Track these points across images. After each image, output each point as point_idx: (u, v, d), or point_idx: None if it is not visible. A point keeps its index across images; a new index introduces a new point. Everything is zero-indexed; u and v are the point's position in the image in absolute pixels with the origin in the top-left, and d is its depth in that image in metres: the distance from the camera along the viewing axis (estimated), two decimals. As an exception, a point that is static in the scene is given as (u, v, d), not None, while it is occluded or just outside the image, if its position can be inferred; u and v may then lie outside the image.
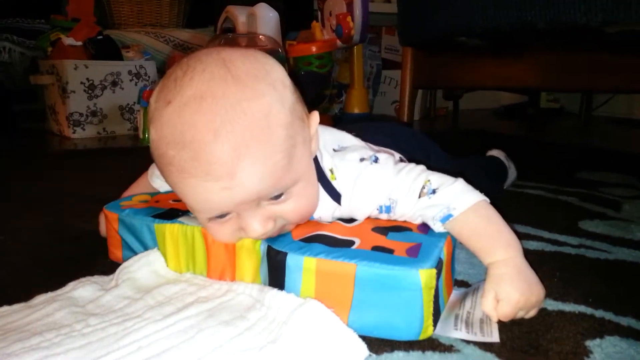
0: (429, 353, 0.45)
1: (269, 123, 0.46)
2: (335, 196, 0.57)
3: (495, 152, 1.04)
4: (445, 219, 0.53)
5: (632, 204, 0.95)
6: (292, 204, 0.51)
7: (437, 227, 0.54)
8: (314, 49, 1.98)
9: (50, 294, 0.55)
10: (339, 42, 2.01)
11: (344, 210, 0.58)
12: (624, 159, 1.49)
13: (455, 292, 0.56)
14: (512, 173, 1.03)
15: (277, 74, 0.51)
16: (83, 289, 0.55)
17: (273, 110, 0.47)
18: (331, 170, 0.57)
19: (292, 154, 0.49)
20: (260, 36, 1.80)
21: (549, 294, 0.56)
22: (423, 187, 0.54)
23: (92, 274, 0.60)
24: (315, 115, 0.55)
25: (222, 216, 0.50)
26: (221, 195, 0.47)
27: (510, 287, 0.48)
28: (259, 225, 0.50)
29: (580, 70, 1.12)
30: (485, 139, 1.90)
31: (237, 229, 0.51)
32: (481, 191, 0.55)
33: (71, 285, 0.57)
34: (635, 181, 1.15)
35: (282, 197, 0.50)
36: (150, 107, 0.50)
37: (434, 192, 0.54)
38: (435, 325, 0.48)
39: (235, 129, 0.45)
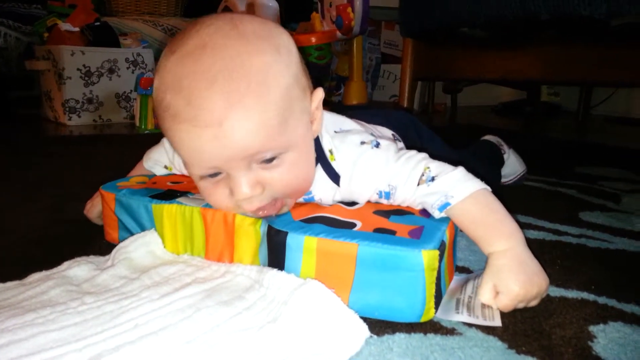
0: (430, 335, 0.44)
1: (266, 80, 0.46)
2: (334, 177, 0.56)
3: (488, 137, 1.01)
4: (443, 207, 0.52)
5: (631, 197, 0.95)
6: (283, 172, 0.50)
7: (437, 215, 0.53)
8: (313, 39, 1.97)
9: (44, 273, 0.54)
10: (338, 34, 2.00)
11: (344, 193, 0.57)
12: (622, 155, 1.49)
13: (456, 278, 0.55)
14: (512, 160, 1.00)
15: (284, 41, 0.51)
16: (78, 268, 0.54)
17: (272, 69, 0.47)
18: (330, 151, 0.56)
19: (286, 118, 0.48)
20: (260, 25, 1.79)
21: (551, 281, 0.55)
22: (422, 175, 0.53)
23: (87, 254, 0.59)
24: (319, 92, 0.54)
25: (213, 176, 0.50)
26: (211, 145, 0.46)
27: (510, 280, 0.47)
28: (247, 186, 0.48)
29: (583, 63, 1.11)
30: (483, 134, 1.89)
31: (228, 192, 0.50)
32: (482, 179, 0.54)
33: (66, 264, 0.56)
34: (634, 175, 1.15)
35: (274, 162, 0.49)
36: (159, 60, 0.50)
37: (432, 179, 0.53)
38: (436, 308, 0.47)
39: (231, 78, 0.45)
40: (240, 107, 0.45)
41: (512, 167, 1.00)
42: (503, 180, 1.00)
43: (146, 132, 1.77)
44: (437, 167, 0.54)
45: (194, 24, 0.49)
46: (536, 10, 1.02)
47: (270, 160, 0.49)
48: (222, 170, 0.49)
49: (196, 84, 0.45)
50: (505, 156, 0.98)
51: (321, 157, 0.57)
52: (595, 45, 1.08)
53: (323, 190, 0.58)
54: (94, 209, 0.71)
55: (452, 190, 0.52)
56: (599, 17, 0.97)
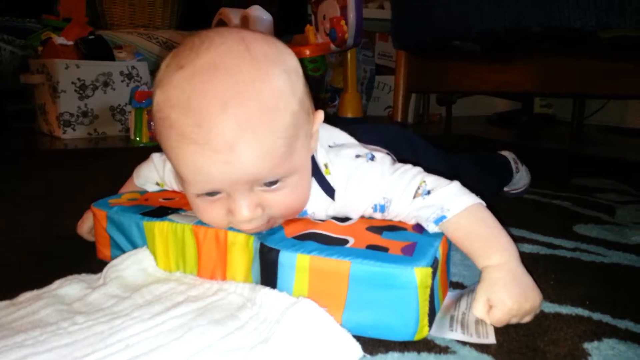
0: (424, 354, 0.44)
1: (277, 107, 0.46)
2: (329, 191, 0.56)
3: (503, 152, 1.02)
4: (439, 220, 0.52)
5: (625, 209, 0.95)
6: (284, 195, 0.50)
7: (431, 229, 0.53)
8: (307, 52, 1.98)
9: (35, 292, 0.53)
10: (332, 46, 2.00)
11: (338, 207, 0.57)
12: (616, 166, 1.50)
13: (450, 294, 0.55)
14: (523, 176, 1.01)
15: (293, 63, 0.51)
16: (70, 287, 0.54)
17: (283, 96, 0.47)
18: (325, 165, 0.56)
19: (293, 144, 0.48)
20: (254, 38, 1.79)
21: (545, 296, 0.55)
22: (418, 188, 0.54)
23: (79, 272, 0.58)
24: (320, 114, 0.55)
25: (212, 194, 0.49)
26: (218, 169, 0.45)
27: (504, 294, 0.47)
28: (247, 209, 0.48)
29: (574, 75, 1.12)
30: (478, 144, 1.90)
31: (225, 211, 0.50)
32: (477, 194, 0.54)
33: (57, 283, 0.55)
34: (629, 187, 1.15)
35: (277, 186, 0.49)
36: (159, 71, 0.49)
37: (428, 193, 0.53)
38: (430, 325, 0.47)
39: (243, 104, 0.44)
40: (252, 133, 0.45)
41: (523, 181, 1.02)
42: (513, 191, 1.02)
43: (141, 145, 1.77)
44: (433, 181, 0.54)
45: (202, 40, 0.48)
46: (528, 23, 1.03)
47: (273, 183, 0.49)
48: (224, 191, 0.49)
49: (207, 105, 0.44)
50: (518, 175, 0.99)
51: (316, 171, 0.57)
52: (587, 57, 1.09)
53: (316, 205, 0.57)
54: (83, 225, 0.70)
55: (448, 203, 0.52)
56: (590, 29, 0.98)
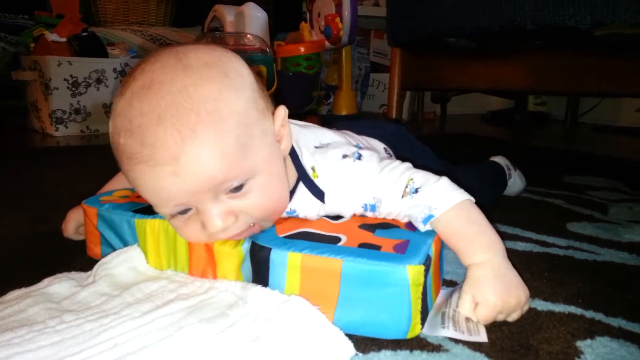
0: (416, 352, 0.43)
1: (218, 107, 0.45)
2: (318, 194, 0.55)
3: (497, 158, 1.00)
4: (427, 219, 0.51)
5: (618, 207, 0.95)
6: (255, 198, 0.49)
7: (422, 228, 0.52)
8: (302, 49, 1.98)
9: (23, 290, 0.53)
10: (327, 43, 2.00)
11: (328, 209, 0.56)
12: (609, 164, 1.50)
13: (443, 292, 0.55)
14: (516, 182, 1.00)
15: (233, 64, 0.50)
16: (59, 285, 0.53)
17: (222, 95, 0.46)
18: (313, 168, 0.56)
19: (246, 143, 0.47)
20: (248, 35, 1.79)
21: (538, 294, 0.55)
22: (406, 187, 0.53)
23: (69, 270, 0.58)
24: (281, 110, 0.54)
25: (183, 212, 0.49)
26: (170, 182, 0.45)
27: (486, 291, 0.47)
28: (218, 218, 0.47)
29: (568, 73, 1.12)
30: (473, 143, 1.90)
31: (199, 226, 0.49)
32: (467, 190, 0.53)
33: (46, 281, 0.54)
34: (621, 185, 1.16)
35: (243, 190, 0.48)
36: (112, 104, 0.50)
37: (416, 191, 0.52)
38: (423, 323, 0.46)
39: (179, 112, 0.44)
40: (194, 139, 0.44)
41: (517, 186, 1.01)
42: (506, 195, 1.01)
43: (134, 142, 1.76)
44: (421, 178, 0.53)
45: (139, 63, 0.49)
46: (522, 20, 1.03)
47: (239, 188, 0.48)
48: (189, 205, 0.48)
49: (146, 122, 0.44)
50: (510, 181, 0.98)
51: (303, 176, 0.56)
52: (580, 55, 1.09)
53: (308, 208, 0.57)
54: (68, 226, 0.69)
55: (436, 202, 0.51)
56: (584, 27, 0.97)
